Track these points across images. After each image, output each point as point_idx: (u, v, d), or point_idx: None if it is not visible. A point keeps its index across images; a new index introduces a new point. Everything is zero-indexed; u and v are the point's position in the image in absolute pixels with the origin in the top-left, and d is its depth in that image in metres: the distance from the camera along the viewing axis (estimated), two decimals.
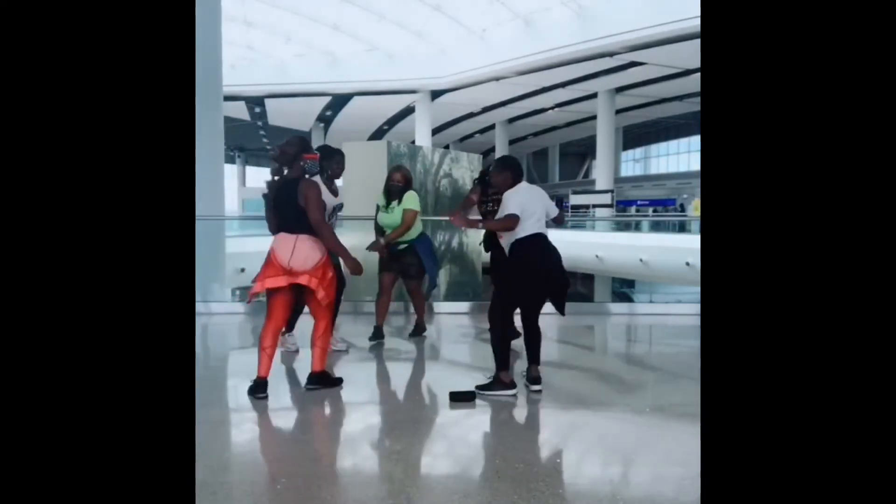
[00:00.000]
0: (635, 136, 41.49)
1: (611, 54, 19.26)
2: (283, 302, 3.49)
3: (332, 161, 4.30)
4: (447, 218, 4.62)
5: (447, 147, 30.93)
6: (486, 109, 29.03)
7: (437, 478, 2.53)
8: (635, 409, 3.43)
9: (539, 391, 3.52)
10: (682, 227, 18.14)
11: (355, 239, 5.55)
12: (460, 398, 3.38)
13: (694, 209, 20.67)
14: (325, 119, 31.34)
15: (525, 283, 3.55)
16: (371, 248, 4.79)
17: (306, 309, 3.62)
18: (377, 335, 4.83)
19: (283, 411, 3.43)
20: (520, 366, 3.99)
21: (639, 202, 34.50)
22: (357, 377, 3.99)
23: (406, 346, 4.93)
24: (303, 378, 3.63)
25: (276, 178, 3.50)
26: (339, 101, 27.96)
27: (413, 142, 25.31)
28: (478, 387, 3.49)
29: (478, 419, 3.26)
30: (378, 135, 33.93)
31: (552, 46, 19.67)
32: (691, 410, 3.09)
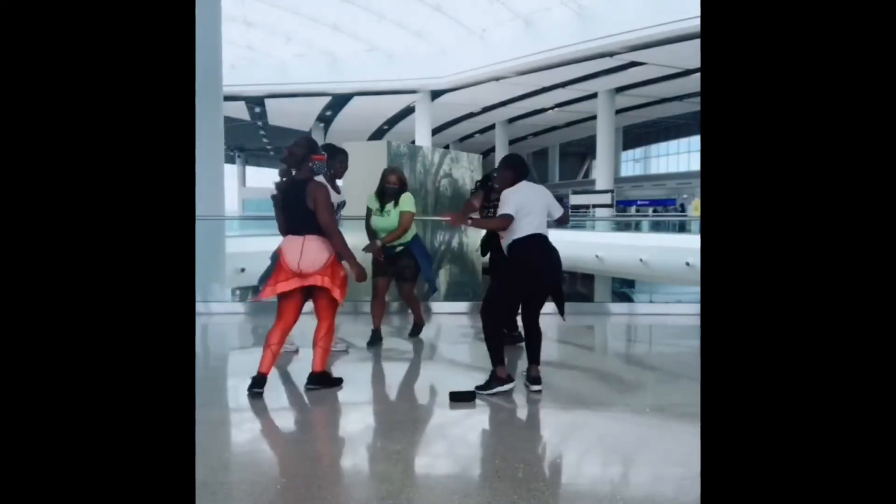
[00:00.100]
0: (635, 136, 41.50)
1: (611, 54, 19.27)
2: (294, 305, 3.51)
3: (335, 160, 4.29)
4: (446, 219, 4.59)
5: (447, 147, 30.94)
6: (486, 109, 29.04)
7: (437, 478, 2.53)
8: (635, 409, 3.43)
9: (539, 391, 3.52)
10: (682, 227, 18.13)
11: (355, 239, 5.54)
12: (460, 398, 3.38)
13: (694, 209, 20.67)
14: (325, 119, 31.35)
15: (522, 282, 3.54)
16: (367, 249, 4.72)
17: (306, 308, 3.62)
18: (375, 339, 4.82)
19: (283, 411, 3.43)
20: (520, 366, 3.99)
21: (639, 202, 34.49)
22: (357, 377, 3.99)
23: (405, 346, 4.93)
24: (303, 378, 3.63)
25: (283, 179, 3.51)
26: (339, 101, 27.97)
27: (413, 142, 25.32)
28: (477, 387, 3.49)
29: (478, 419, 3.26)
30: (378, 135, 33.94)
31: (552, 46, 19.67)
32: (691, 410, 3.09)
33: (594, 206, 25.65)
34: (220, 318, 6.08)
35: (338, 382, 3.66)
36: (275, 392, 3.54)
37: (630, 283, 16.84)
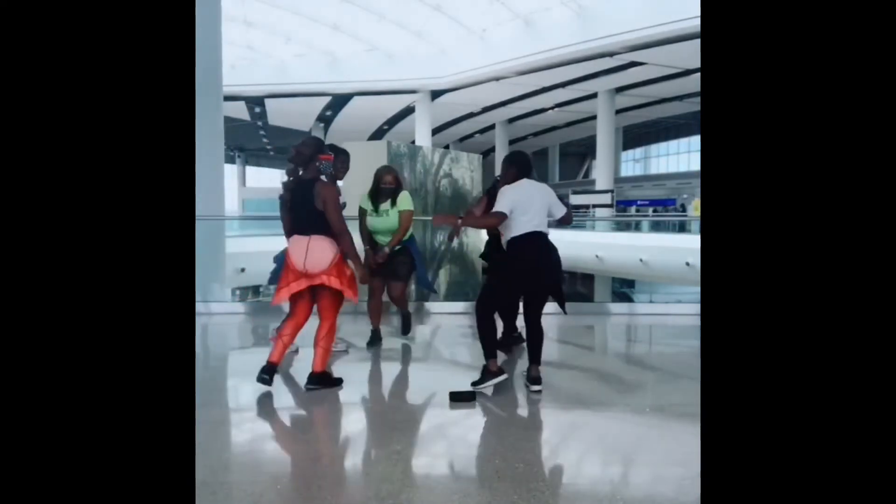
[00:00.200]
0: (635, 136, 41.48)
1: (611, 54, 19.26)
2: (305, 304, 3.60)
3: (336, 161, 4.29)
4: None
5: (447, 147, 30.96)
6: (486, 109, 29.03)
7: (437, 478, 2.53)
8: (635, 409, 3.43)
9: (539, 391, 3.52)
10: (682, 227, 18.14)
11: (355, 240, 5.53)
12: (460, 398, 3.38)
13: (694, 209, 20.67)
14: (325, 119, 31.34)
15: (520, 280, 3.54)
16: (378, 259, 4.61)
17: None
18: (375, 339, 4.81)
19: (284, 411, 3.43)
20: (520, 366, 3.99)
21: (639, 202, 34.48)
22: (356, 377, 3.99)
23: (405, 346, 4.93)
24: (303, 378, 3.63)
25: (290, 178, 3.52)
26: (339, 101, 27.96)
27: (413, 142, 25.32)
28: (472, 383, 3.49)
29: (478, 419, 3.26)
30: (378, 135, 33.93)
31: (552, 46, 19.66)
32: (691, 410, 3.09)
33: (594, 206, 25.65)
34: (220, 318, 6.08)
35: (338, 382, 3.66)
36: (275, 392, 3.54)
37: (630, 283, 16.86)
